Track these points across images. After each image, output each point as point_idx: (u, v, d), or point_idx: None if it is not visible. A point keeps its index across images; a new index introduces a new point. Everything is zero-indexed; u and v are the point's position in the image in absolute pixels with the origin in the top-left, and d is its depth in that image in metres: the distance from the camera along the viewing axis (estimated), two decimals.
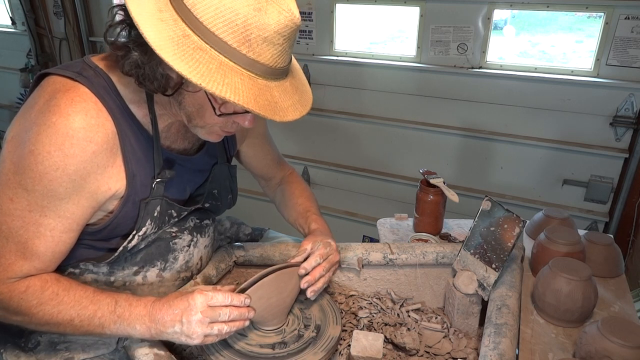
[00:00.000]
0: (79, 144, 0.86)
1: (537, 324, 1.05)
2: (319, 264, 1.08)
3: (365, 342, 1.03)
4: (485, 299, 1.11)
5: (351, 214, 3.17)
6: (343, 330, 1.14)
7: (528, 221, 1.39)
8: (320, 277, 1.07)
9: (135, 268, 1.07)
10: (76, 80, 0.89)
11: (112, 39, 0.88)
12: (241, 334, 1.04)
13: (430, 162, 2.78)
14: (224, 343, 1.01)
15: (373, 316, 1.20)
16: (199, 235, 1.16)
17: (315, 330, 1.06)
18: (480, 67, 2.55)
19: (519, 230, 1.07)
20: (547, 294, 1.04)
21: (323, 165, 3.11)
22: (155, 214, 1.02)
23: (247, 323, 0.96)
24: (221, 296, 0.91)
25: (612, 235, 1.31)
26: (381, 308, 1.23)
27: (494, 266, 1.10)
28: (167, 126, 1.02)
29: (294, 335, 1.05)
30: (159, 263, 1.09)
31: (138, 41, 0.83)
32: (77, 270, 1.04)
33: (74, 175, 0.87)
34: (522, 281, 1.17)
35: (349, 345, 1.05)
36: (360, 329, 1.16)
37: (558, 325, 1.04)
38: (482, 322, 1.12)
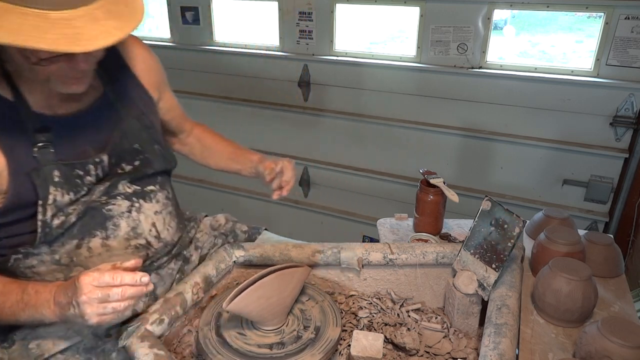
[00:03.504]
0: None
1: (537, 324, 1.05)
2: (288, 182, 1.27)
3: (365, 342, 1.03)
4: (485, 299, 1.11)
5: (351, 214, 3.17)
6: (343, 330, 1.14)
7: (528, 221, 1.39)
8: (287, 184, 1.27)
9: (75, 241, 1.05)
10: None
11: None
12: (241, 333, 1.04)
13: (430, 162, 2.78)
14: (223, 342, 1.01)
15: (373, 316, 1.20)
16: (141, 201, 1.13)
17: (315, 332, 1.06)
18: (480, 67, 2.55)
19: (519, 230, 1.07)
20: (547, 294, 1.04)
21: (323, 165, 3.11)
22: (56, 180, 0.99)
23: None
24: (107, 277, 0.88)
25: (612, 235, 1.31)
26: (381, 308, 1.23)
27: (494, 266, 1.10)
28: (39, 91, 0.99)
29: (293, 336, 1.05)
30: (99, 232, 1.07)
31: None
32: (20, 256, 1.03)
33: None
34: (522, 281, 1.17)
35: (349, 345, 1.05)
36: (360, 329, 1.16)
37: (558, 325, 1.04)
38: (482, 322, 1.12)
